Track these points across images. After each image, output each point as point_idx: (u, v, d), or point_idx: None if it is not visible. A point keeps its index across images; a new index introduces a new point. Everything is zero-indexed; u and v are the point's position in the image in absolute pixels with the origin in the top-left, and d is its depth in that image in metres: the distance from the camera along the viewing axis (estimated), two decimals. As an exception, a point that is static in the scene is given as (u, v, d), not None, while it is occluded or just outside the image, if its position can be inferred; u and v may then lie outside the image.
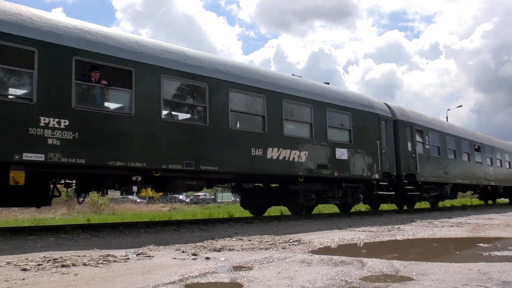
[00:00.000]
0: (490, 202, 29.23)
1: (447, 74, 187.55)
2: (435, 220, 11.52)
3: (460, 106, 65.57)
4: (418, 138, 17.05)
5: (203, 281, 3.71)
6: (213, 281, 3.73)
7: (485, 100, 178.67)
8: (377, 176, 14.39)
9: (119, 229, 9.32)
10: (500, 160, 25.27)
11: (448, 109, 70.39)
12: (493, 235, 7.69)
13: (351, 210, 16.99)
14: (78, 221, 14.21)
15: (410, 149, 16.29)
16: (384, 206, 20.19)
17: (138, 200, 42.48)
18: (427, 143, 17.54)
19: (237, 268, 4.38)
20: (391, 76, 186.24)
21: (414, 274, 3.91)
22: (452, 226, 9.66)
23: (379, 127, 14.88)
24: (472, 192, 26.00)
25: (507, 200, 30.03)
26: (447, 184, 18.99)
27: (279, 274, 3.95)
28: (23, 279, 3.76)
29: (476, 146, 22.15)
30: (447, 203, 26.03)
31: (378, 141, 14.63)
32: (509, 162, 26.78)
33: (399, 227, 9.38)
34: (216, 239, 7.27)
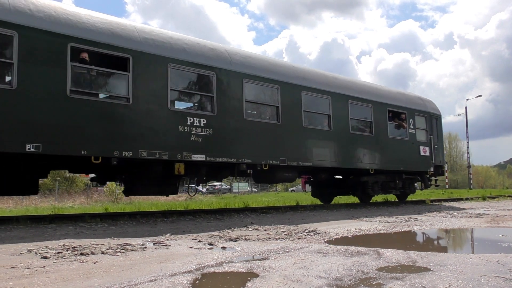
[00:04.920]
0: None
1: (462, 64, 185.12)
2: (453, 211, 11.39)
3: (480, 96, 64.29)
4: None
5: (219, 271, 3.73)
6: (229, 270, 3.75)
7: (500, 90, 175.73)
8: None
9: (136, 218, 9.44)
10: (311, 120, 12.37)
11: (468, 99, 68.99)
12: (513, 226, 7.56)
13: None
14: (96, 210, 14.43)
15: None
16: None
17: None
18: None
19: (253, 258, 4.40)
20: (404, 66, 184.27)
21: (431, 265, 3.87)
22: (470, 216, 9.54)
23: None
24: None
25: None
26: None
27: (295, 264, 3.95)
28: (44, 266, 3.83)
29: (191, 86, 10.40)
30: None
31: None
32: (355, 124, 13.52)
33: (416, 218, 9.30)
34: (232, 229, 7.30)
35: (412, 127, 15.63)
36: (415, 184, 16.90)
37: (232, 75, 10.48)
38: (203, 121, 9.67)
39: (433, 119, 16.78)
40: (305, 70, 12.86)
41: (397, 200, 17.21)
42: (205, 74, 9.89)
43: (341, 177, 15.41)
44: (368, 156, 13.83)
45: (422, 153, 15.84)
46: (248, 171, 10.93)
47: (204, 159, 9.62)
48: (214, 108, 9.91)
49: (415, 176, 16.20)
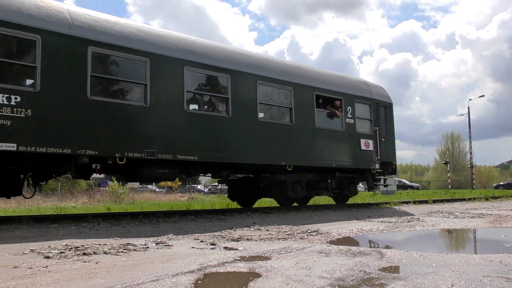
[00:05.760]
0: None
1: (464, 64, 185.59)
2: (456, 211, 11.37)
3: (483, 96, 64.26)
4: None
5: (222, 271, 3.73)
6: (232, 270, 3.75)
7: (502, 90, 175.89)
8: None
9: (139, 218, 9.45)
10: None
11: (470, 99, 68.84)
12: (516, 227, 7.54)
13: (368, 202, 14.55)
14: (98, 210, 14.46)
15: None
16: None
17: (157, 189, 43.06)
18: None
19: (255, 258, 4.40)
20: (406, 66, 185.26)
21: (434, 265, 3.87)
22: (473, 217, 9.52)
23: None
24: None
25: None
26: None
27: (297, 264, 3.95)
28: (46, 266, 3.84)
29: None
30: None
31: None
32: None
33: (418, 218, 9.28)
34: (234, 229, 7.30)
35: (350, 116, 13.02)
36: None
37: (71, 41, 8.25)
38: (17, 98, 7.50)
39: (380, 107, 14.07)
40: (193, 42, 10.45)
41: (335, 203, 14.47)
42: (24, 38, 7.72)
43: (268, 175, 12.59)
44: (285, 150, 11.40)
45: (363, 147, 13.26)
46: (94, 166, 8.65)
47: (15, 149, 7.41)
48: (37, 83, 7.78)
49: (355, 175, 13.53)
